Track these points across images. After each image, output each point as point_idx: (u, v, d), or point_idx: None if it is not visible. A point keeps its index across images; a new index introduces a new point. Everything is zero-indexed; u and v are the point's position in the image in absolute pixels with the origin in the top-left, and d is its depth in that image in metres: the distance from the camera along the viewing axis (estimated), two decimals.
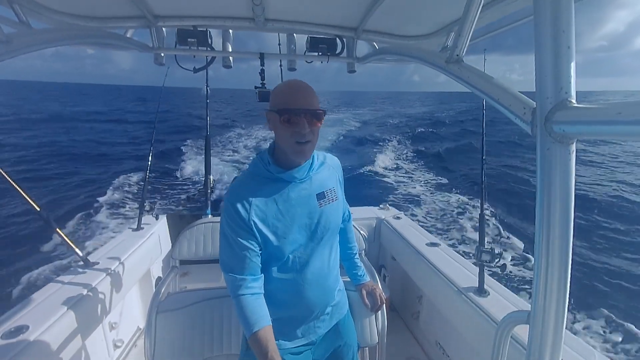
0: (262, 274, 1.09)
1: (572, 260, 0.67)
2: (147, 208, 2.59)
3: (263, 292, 1.07)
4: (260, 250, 1.07)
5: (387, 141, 18.48)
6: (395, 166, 13.12)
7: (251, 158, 1.19)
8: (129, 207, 8.10)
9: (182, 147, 15.49)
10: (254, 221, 1.03)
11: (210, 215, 2.70)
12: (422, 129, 23.95)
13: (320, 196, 1.12)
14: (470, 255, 5.19)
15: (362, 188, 9.96)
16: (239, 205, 1.03)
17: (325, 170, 1.16)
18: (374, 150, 15.86)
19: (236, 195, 1.05)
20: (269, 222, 1.05)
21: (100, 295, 1.81)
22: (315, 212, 1.10)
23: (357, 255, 1.42)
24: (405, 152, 15.96)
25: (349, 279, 1.45)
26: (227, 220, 1.05)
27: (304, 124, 0.97)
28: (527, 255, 5.88)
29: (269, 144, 1.12)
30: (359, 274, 1.41)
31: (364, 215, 2.92)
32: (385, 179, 11.18)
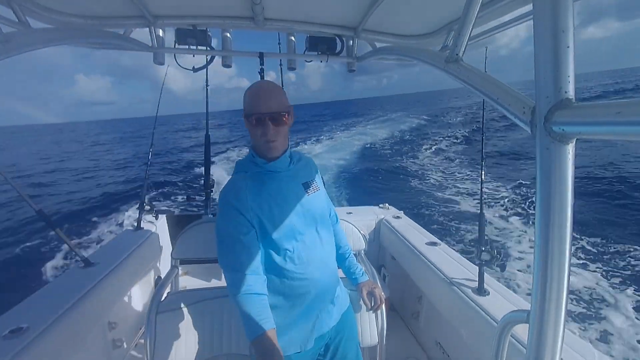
0: (265, 275, 1.09)
1: (571, 259, 0.67)
2: (147, 208, 2.59)
3: (266, 293, 1.07)
4: (259, 247, 1.08)
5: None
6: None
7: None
8: (130, 207, 8.10)
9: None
10: (254, 214, 1.07)
11: (210, 215, 2.70)
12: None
13: (306, 185, 1.21)
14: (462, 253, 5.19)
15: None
16: (236, 201, 1.08)
17: (304, 164, 1.27)
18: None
19: (232, 191, 1.10)
20: (268, 212, 1.09)
21: (100, 295, 1.81)
22: (305, 200, 1.17)
23: (351, 255, 1.44)
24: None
25: (346, 279, 1.45)
26: (225, 217, 1.08)
27: (268, 126, 1.06)
28: (527, 254, 5.89)
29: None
30: (357, 273, 1.42)
31: (363, 215, 2.91)
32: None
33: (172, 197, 9.15)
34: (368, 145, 19.29)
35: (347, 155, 16.15)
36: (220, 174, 11.34)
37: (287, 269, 1.11)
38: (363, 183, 10.91)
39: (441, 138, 19.48)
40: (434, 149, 16.79)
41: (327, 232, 1.27)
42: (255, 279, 1.05)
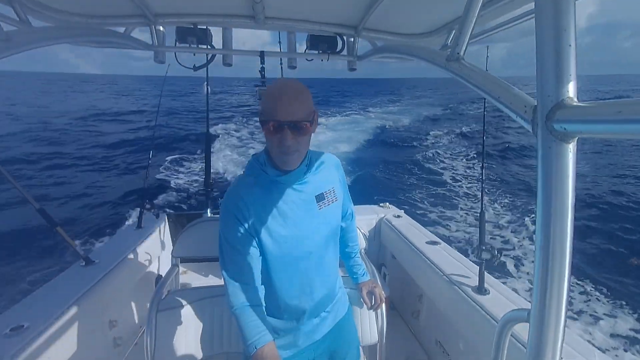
0: (263, 285, 1.06)
1: (572, 258, 0.67)
2: (147, 206, 2.60)
3: (264, 304, 1.05)
4: (259, 256, 1.04)
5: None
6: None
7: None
8: (130, 206, 8.10)
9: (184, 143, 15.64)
10: (253, 225, 1.01)
11: (210, 214, 2.70)
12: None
13: (320, 198, 1.10)
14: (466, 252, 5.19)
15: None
16: (236, 210, 1.01)
17: (324, 170, 1.13)
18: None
19: (234, 198, 1.03)
20: (268, 225, 1.02)
21: (101, 294, 1.82)
22: (315, 214, 1.08)
23: (357, 254, 1.42)
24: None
25: (348, 277, 1.45)
26: (225, 224, 1.03)
27: (286, 136, 0.91)
28: (527, 253, 5.89)
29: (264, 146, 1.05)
30: (359, 272, 1.41)
31: (364, 214, 2.92)
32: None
33: (173, 195, 9.16)
34: (380, 130, 19.15)
35: (356, 139, 16.03)
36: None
37: (284, 289, 1.09)
38: (363, 176, 10.88)
39: (452, 131, 19.15)
40: (442, 143, 16.55)
41: (334, 246, 1.20)
42: (254, 290, 1.02)
